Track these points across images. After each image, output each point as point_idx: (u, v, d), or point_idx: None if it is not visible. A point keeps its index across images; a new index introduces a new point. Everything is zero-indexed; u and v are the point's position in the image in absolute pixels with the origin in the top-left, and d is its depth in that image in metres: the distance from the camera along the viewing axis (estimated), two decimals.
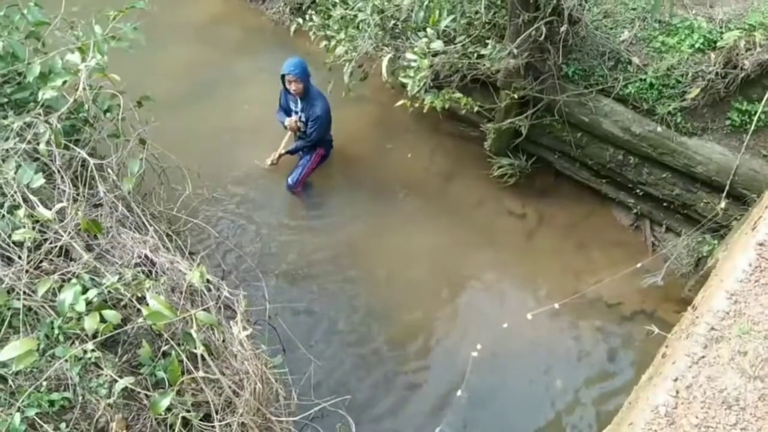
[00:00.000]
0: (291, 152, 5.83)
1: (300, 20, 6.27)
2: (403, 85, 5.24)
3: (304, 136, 5.70)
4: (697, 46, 4.91)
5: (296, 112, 5.63)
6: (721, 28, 4.93)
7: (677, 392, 2.36)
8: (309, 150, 5.79)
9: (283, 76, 5.39)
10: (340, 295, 5.03)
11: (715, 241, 4.96)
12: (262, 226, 5.46)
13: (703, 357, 2.45)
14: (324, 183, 5.80)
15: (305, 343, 4.14)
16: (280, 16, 7.49)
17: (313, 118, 5.51)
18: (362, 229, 5.55)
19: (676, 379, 2.40)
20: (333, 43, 5.76)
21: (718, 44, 4.81)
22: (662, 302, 5.08)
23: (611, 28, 5.29)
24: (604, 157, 5.43)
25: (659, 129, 4.99)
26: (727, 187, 4.73)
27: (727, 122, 4.86)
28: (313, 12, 6.14)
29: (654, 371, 2.87)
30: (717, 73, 4.73)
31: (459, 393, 4.23)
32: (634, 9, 5.33)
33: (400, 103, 5.44)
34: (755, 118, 4.67)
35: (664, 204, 5.38)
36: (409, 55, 5.06)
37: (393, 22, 5.48)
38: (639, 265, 4.88)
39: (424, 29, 5.07)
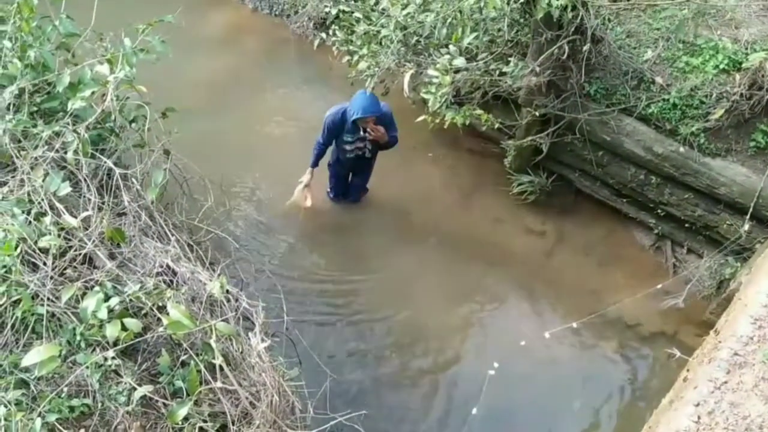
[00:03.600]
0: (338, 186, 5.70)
1: (323, 35, 6.34)
2: (425, 101, 5.27)
3: (363, 160, 5.36)
4: (721, 66, 4.88)
5: (360, 139, 5.13)
6: (746, 49, 4.90)
7: (699, 418, 2.32)
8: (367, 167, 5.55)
9: (342, 121, 4.97)
10: (357, 309, 5.03)
11: (738, 264, 4.90)
12: (282, 239, 5.48)
13: (726, 382, 2.41)
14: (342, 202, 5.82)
15: (322, 356, 4.14)
16: (303, 30, 7.58)
17: (381, 122, 4.99)
18: (381, 244, 5.55)
19: (698, 404, 2.37)
20: (356, 58, 5.80)
21: (743, 65, 4.78)
22: (683, 324, 5.01)
23: (634, 48, 5.28)
24: (626, 176, 5.39)
25: (682, 149, 4.95)
26: (750, 210, 4.68)
27: (752, 144, 4.81)
28: (337, 27, 6.19)
29: (675, 395, 2.83)
30: (742, 95, 4.70)
31: (474, 411, 4.19)
32: (657, 29, 5.31)
33: (420, 118, 5.47)
34: None
35: (686, 225, 5.32)
36: (430, 72, 5.08)
37: (416, 38, 5.51)
38: (659, 286, 4.83)
39: (447, 46, 5.09)
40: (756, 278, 3.22)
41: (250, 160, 6.05)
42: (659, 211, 5.40)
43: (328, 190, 5.82)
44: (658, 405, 3.18)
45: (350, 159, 5.28)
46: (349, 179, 5.74)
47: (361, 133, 4.97)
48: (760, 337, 2.55)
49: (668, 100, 4.97)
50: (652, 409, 3.26)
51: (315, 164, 5.30)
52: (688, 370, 3.03)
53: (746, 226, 4.72)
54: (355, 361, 4.67)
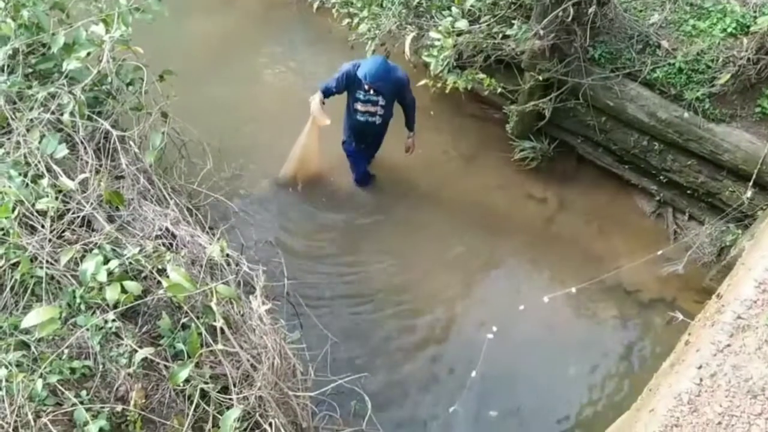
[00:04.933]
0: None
1: None
2: (426, 65, 5.19)
3: (374, 128, 5.17)
4: (729, 30, 4.80)
5: (371, 103, 4.94)
6: (755, 12, 4.81)
7: (701, 380, 2.33)
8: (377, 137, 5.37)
9: (355, 76, 4.75)
10: (357, 273, 5.04)
11: (740, 231, 4.89)
12: (282, 203, 5.46)
13: (729, 345, 2.41)
14: (343, 162, 5.76)
15: (322, 320, 4.15)
16: None
17: (395, 87, 4.86)
18: (382, 209, 5.52)
19: (700, 367, 2.37)
20: (356, 20, 5.70)
21: (751, 29, 4.70)
22: (682, 291, 5.03)
23: (641, 11, 5.19)
24: (629, 142, 5.34)
25: (686, 115, 4.89)
26: (754, 176, 4.65)
27: (757, 110, 4.75)
28: None
29: (676, 358, 2.84)
30: (749, 59, 4.62)
31: (474, 374, 4.23)
32: None
33: (422, 82, 5.40)
34: None
35: (688, 192, 5.29)
36: (433, 34, 5.00)
37: (417, 0, 5.41)
38: (660, 252, 4.83)
39: (449, 8, 4.99)
40: (760, 243, 3.21)
41: (249, 123, 5.98)
42: (661, 177, 5.36)
43: (354, 178, 5.65)
44: (658, 369, 3.20)
45: (360, 124, 5.09)
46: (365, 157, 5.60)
47: (371, 93, 4.83)
48: (764, 300, 2.55)
49: (674, 64, 4.89)
50: (650, 373, 3.27)
51: (324, 93, 4.96)
52: (689, 334, 3.03)
53: (749, 193, 4.70)
54: (356, 325, 4.69)
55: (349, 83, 4.88)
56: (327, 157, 5.57)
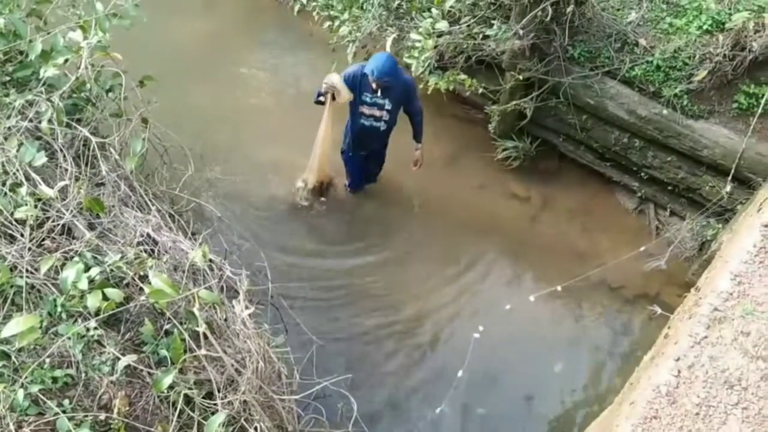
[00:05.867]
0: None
1: (303, 0, 6.22)
2: (407, 66, 5.21)
3: (379, 132, 4.99)
4: (705, 27, 4.87)
5: (378, 106, 4.81)
6: (729, 9, 4.88)
7: (679, 372, 2.36)
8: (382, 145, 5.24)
9: (362, 76, 4.65)
10: (342, 275, 5.03)
11: (720, 225, 4.95)
12: (264, 207, 5.44)
13: (706, 337, 2.45)
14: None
15: (307, 323, 4.14)
16: None
17: (402, 91, 4.77)
18: (365, 210, 5.54)
19: (678, 359, 2.41)
20: (337, 23, 5.71)
21: (727, 26, 4.77)
22: (666, 286, 5.08)
23: (618, 9, 5.25)
24: (609, 140, 5.39)
25: (665, 112, 4.95)
26: (732, 171, 4.71)
27: (734, 105, 4.83)
28: None
29: (656, 351, 2.88)
30: (725, 55, 4.69)
31: (460, 374, 4.24)
32: None
33: None
34: (763, 101, 4.64)
35: (669, 187, 5.36)
36: (413, 36, 5.01)
37: (397, 2, 5.43)
38: (642, 248, 4.86)
39: (429, 9, 5.02)
40: (737, 236, 3.26)
41: (230, 127, 5.96)
42: (642, 174, 5.42)
43: (347, 183, 5.60)
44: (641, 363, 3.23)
45: (364, 129, 4.93)
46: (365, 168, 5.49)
47: (378, 95, 4.70)
48: (739, 292, 2.59)
49: (652, 62, 4.95)
50: (634, 367, 3.31)
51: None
52: (669, 327, 3.07)
53: (728, 188, 4.76)
54: (341, 328, 4.69)
55: (355, 85, 4.71)
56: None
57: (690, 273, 4.95)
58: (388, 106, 4.79)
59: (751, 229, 2.90)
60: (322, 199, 5.53)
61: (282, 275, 4.74)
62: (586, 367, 4.63)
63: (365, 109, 4.83)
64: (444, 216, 5.51)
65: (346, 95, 4.68)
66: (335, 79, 4.63)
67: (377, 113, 4.84)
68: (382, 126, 4.92)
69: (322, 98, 4.78)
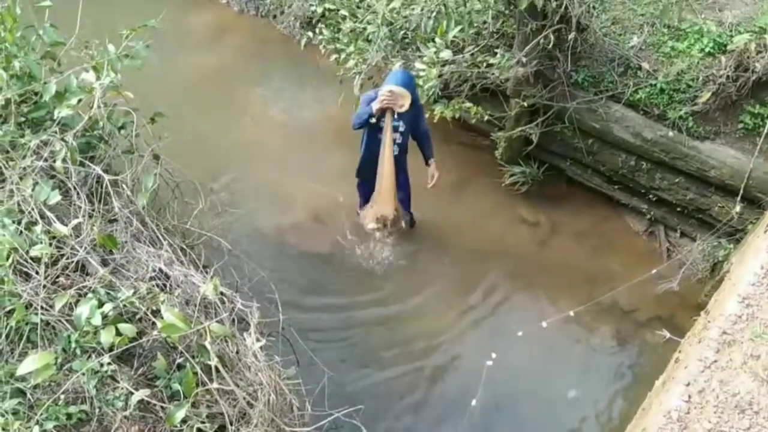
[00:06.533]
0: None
1: (310, 34, 6.36)
2: None
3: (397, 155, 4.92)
4: (707, 50, 4.91)
5: (393, 129, 4.75)
6: (730, 31, 4.93)
7: (689, 397, 2.35)
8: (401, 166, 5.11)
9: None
10: (353, 305, 5.04)
11: (731, 246, 4.93)
12: (273, 238, 5.48)
13: (716, 361, 2.43)
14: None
15: (318, 353, 4.15)
16: (290, 30, 7.55)
17: (414, 112, 4.72)
18: (368, 237, 5.55)
19: (688, 384, 2.39)
20: (343, 56, 5.82)
21: (728, 48, 4.81)
22: (679, 308, 5.03)
23: (620, 35, 5.31)
24: (616, 163, 5.41)
25: (671, 134, 4.97)
26: (741, 191, 4.71)
27: (740, 126, 4.84)
28: (323, 25, 6.21)
29: (667, 376, 2.85)
30: (728, 77, 4.72)
31: (474, 402, 4.22)
32: (642, 15, 5.34)
33: None
34: None
35: (678, 209, 5.35)
36: (418, 65, 5.10)
37: (402, 33, 5.53)
38: (654, 271, 4.84)
39: (433, 39, 5.10)
40: (744, 258, 3.25)
41: (240, 159, 6.04)
42: (651, 196, 5.42)
43: (359, 210, 5.57)
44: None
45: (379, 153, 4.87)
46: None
47: (395, 118, 4.64)
48: (748, 315, 2.58)
49: (655, 85, 4.99)
50: (647, 392, 3.28)
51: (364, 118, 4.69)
52: (679, 351, 3.05)
53: (738, 208, 4.75)
54: (353, 358, 4.68)
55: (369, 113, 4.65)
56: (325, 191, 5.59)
57: (703, 294, 4.91)
58: (402, 128, 4.78)
59: (758, 250, 2.90)
60: (400, 225, 5.38)
61: (293, 306, 4.75)
62: (600, 393, 4.57)
63: (381, 136, 4.81)
64: (453, 242, 5.52)
65: (408, 99, 4.53)
66: (393, 86, 4.49)
67: (393, 135, 4.81)
68: (396, 150, 4.90)
69: (372, 119, 4.66)
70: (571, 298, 4.99)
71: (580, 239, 5.62)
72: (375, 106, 4.54)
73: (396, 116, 4.68)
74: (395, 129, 4.76)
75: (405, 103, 4.54)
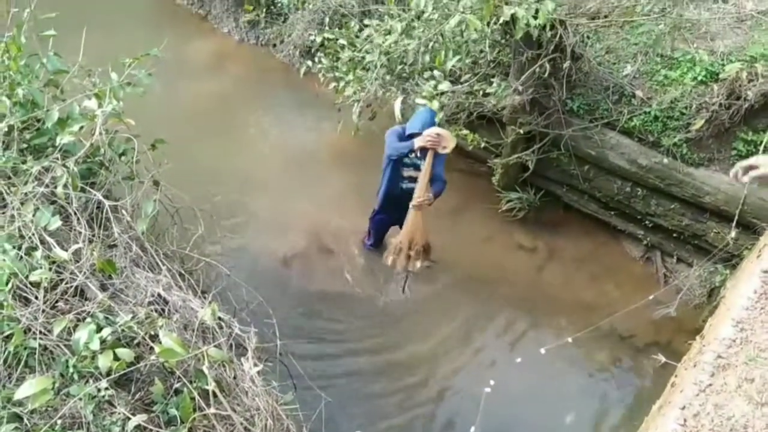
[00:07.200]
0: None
1: (309, 62, 6.46)
2: None
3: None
4: (699, 78, 4.99)
5: (415, 167, 4.75)
6: (722, 60, 5.01)
7: (685, 421, 2.35)
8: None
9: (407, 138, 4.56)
10: (350, 331, 5.04)
11: (728, 271, 4.96)
12: (271, 263, 5.50)
13: (710, 385, 2.44)
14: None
15: (316, 379, 4.14)
16: (290, 59, 7.68)
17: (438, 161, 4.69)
18: (369, 264, 5.57)
19: (683, 408, 2.39)
20: (342, 84, 5.91)
21: (721, 76, 4.90)
22: (676, 333, 5.04)
23: (614, 63, 5.40)
24: (612, 189, 5.46)
25: (665, 160, 5.03)
26: (736, 217, 4.74)
27: (734, 152, 4.90)
28: (322, 54, 6.31)
29: (663, 401, 2.86)
30: (721, 104, 4.80)
31: (472, 429, 4.18)
32: (636, 44, 5.44)
33: None
34: (761, 148, 4.71)
35: (674, 235, 5.39)
36: (418, 100, 5.18)
37: (400, 65, 5.61)
38: (651, 296, 4.85)
39: (431, 70, 5.19)
40: (738, 282, 3.27)
41: (239, 186, 6.08)
42: (647, 222, 5.46)
43: (368, 241, 5.59)
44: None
45: (403, 192, 4.82)
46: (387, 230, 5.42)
47: (417, 156, 4.65)
48: (742, 339, 2.59)
49: (649, 112, 5.06)
50: (645, 417, 3.27)
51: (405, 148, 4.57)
52: (675, 376, 3.05)
53: (733, 234, 4.78)
54: (351, 384, 4.66)
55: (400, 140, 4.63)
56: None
57: (700, 320, 4.92)
58: (423, 166, 4.66)
59: (751, 275, 2.92)
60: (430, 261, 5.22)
61: (291, 332, 4.75)
62: (597, 418, 4.56)
63: (406, 172, 4.80)
64: (451, 268, 5.53)
65: (453, 143, 4.53)
66: (440, 129, 4.51)
67: (413, 174, 4.77)
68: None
69: (413, 154, 4.65)
70: (569, 323, 5.01)
71: (578, 265, 5.64)
72: (418, 143, 4.47)
73: (420, 154, 4.61)
74: (417, 167, 4.72)
75: (449, 146, 4.50)
